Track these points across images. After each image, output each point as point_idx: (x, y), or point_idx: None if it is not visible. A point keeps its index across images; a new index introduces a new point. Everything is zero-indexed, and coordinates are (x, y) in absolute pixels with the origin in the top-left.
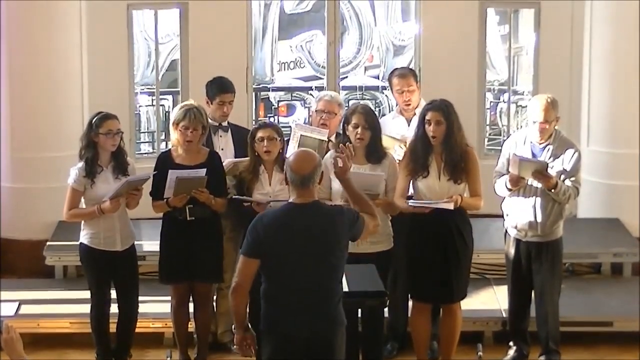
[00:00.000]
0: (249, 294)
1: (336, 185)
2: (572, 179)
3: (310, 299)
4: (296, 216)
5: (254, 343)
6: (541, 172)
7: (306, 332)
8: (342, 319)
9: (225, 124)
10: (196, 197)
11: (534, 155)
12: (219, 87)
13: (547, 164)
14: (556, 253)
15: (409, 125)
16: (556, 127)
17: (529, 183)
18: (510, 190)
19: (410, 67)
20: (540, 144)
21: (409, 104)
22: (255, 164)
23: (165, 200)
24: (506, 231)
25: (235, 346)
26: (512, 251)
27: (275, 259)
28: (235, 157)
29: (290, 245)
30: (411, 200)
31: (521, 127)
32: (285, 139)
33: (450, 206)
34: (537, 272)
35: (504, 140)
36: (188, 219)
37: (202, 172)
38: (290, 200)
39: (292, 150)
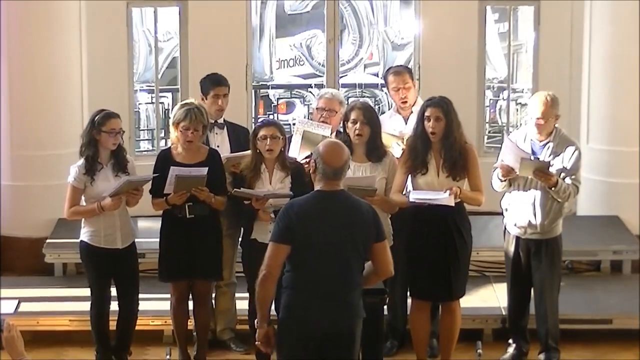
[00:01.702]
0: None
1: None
2: (572, 177)
3: (335, 287)
4: (326, 203)
5: (273, 337)
6: (542, 170)
7: (329, 322)
8: (362, 312)
9: (221, 121)
10: (196, 195)
11: (533, 152)
12: (212, 81)
13: (549, 163)
14: (555, 250)
15: (406, 123)
16: (557, 125)
17: (528, 177)
18: (502, 181)
19: (406, 64)
20: (540, 141)
21: (406, 102)
22: (256, 161)
23: (164, 198)
24: (505, 228)
25: (257, 342)
26: (511, 249)
27: (304, 246)
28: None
29: (319, 232)
30: (412, 193)
31: (520, 124)
32: (287, 136)
33: (451, 202)
34: (537, 269)
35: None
36: (188, 216)
37: (204, 170)
38: (318, 188)
39: (295, 146)
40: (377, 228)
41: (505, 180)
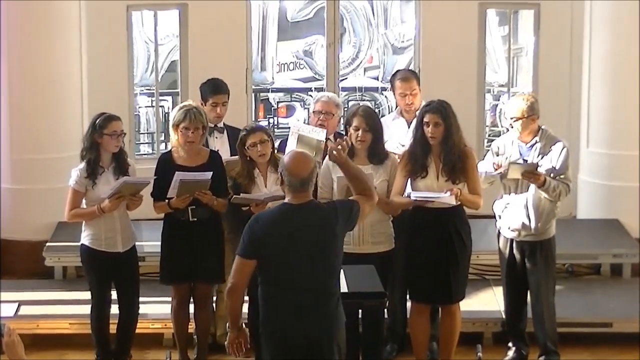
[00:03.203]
0: (249, 294)
1: (336, 185)
2: (562, 176)
3: (309, 299)
4: (292, 216)
5: (245, 343)
6: (531, 172)
7: (307, 333)
8: (342, 318)
9: (220, 125)
10: (199, 198)
11: (521, 154)
12: (212, 88)
13: (537, 165)
14: (549, 252)
15: (409, 127)
16: (543, 127)
17: (520, 180)
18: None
19: (407, 68)
20: (526, 143)
21: (411, 107)
22: (248, 168)
23: (167, 202)
24: (499, 231)
25: (227, 344)
26: (506, 251)
27: (273, 260)
28: None
29: (287, 245)
30: (413, 193)
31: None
32: (284, 139)
33: (452, 201)
34: (532, 272)
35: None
36: (190, 219)
37: (208, 175)
38: (286, 200)
39: (290, 148)
40: (348, 220)
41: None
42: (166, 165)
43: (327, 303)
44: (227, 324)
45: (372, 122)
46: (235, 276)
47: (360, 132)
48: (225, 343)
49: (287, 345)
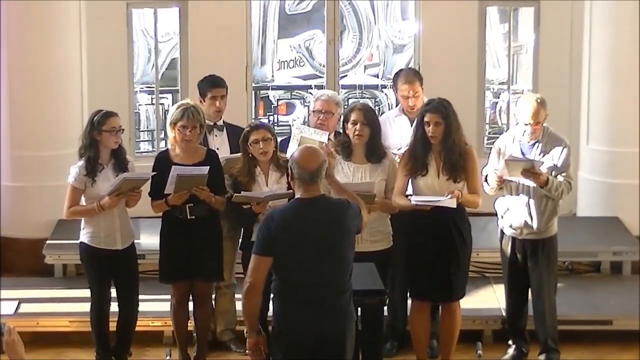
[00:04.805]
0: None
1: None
2: (564, 174)
3: (319, 295)
4: (305, 211)
5: (265, 346)
6: (530, 170)
7: (317, 329)
8: (353, 315)
9: (220, 123)
10: (197, 194)
11: (523, 154)
12: (210, 83)
13: (533, 161)
14: (552, 250)
15: (411, 125)
16: (545, 125)
17: (521, 182)
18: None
19: (407, 66)
20: (528, 142)
21: (414, 109)
22: (250, 166)
23: (164, 199)
24: (501, 230)
25: (248, 351)
26: (507, 250)
27: (287, 255)
28: None
29: (301, 240)
30: (414, 197)
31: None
32: (284, 138)
33: (453, 204)
34: (533, 270)
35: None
36: (188, 217)
37: (205, 169)
38: (297, 195)
39: (292, 152)
40: (357, 219)
41: (496, 185)
42: (163, 164)
43: (337, 299)
44: (245, 328)
45: (370, 117)
46: (253, 275)
47: (358, 125)
48: (246, 351)
49: (297, 341)
